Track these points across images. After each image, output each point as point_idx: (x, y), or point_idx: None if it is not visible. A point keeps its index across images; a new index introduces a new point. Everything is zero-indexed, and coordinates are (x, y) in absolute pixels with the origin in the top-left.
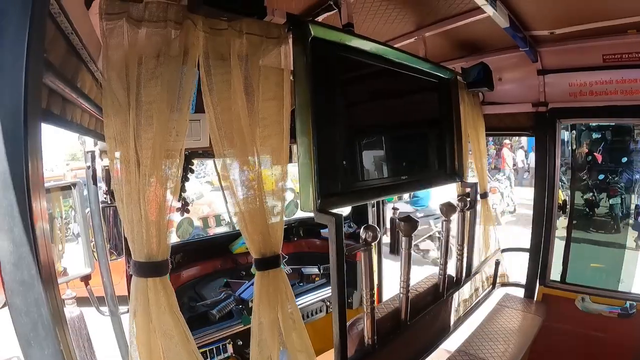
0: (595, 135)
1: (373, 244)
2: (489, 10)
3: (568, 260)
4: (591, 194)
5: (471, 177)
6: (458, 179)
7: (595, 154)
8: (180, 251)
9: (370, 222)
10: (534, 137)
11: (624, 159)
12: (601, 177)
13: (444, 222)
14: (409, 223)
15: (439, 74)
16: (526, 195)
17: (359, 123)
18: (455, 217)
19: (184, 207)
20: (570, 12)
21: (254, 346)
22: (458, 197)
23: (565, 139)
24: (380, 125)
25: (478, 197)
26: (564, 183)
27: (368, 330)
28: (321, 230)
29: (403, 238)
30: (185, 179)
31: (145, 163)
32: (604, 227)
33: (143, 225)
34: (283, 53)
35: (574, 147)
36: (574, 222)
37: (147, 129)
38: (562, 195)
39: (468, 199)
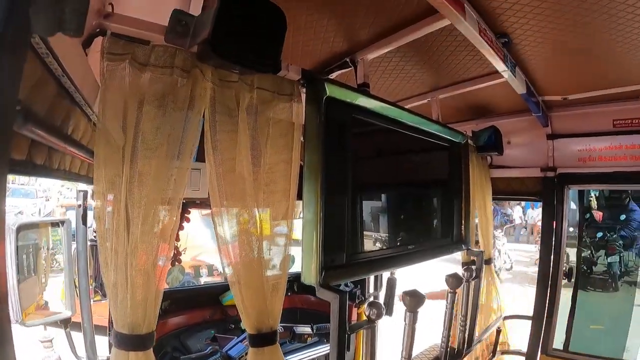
0: (593, 193)
1: (377, 321)
2: (508, 76)
3: (572, 327)
4: (589, 252)
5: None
6: (464, 247)
7: (593, 211)
8: (168, 298)
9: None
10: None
11: (622, 217)
12: (599, 234)
13: (449, 294)
14: (415, 298)
15: (451, 138)
16: (523, 252)
17: (367, 188)
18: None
19: (176, 257)
20: (584, 79)
21: None
22: (463, 265)
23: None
24: (390, 191)
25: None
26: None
27: None
28: None
29: (407, 313)
30: (179, 227)
31: (137, 216)
32: (603, 285)
33: (128, 290)
34: (295, 110)
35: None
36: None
37: (143, 179)
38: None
39: (474, 268)
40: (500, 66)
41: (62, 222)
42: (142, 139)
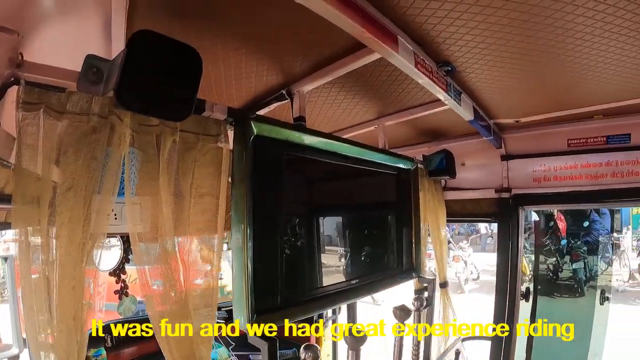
0: None
1: None
2: (453, 105)
3: (531, 350)
4: (554, 259)
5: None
6: (415, 275)
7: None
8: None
9: None
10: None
11: (586, 224)
12: (564, 242)
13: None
14: (355, 339)
15: (398, 165)
16: (489, 261)
17: (308, 223)
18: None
19: (123, 290)
20: (536, 102)
21: None
22: (415, 294)
23: None
24: (333, 224)
25: (437, 288)
26: (527, 249)
27: None
28: None
29: (350, 351)
30: (125, 260)
31: (61, 256)
32: (569, 291)
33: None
34: (223, 151)
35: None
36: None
37: (63, 220)
38: (525, 265)
39: (425, 297)
40: (442, 95)
41: (5, 259)
42: (61, 186)
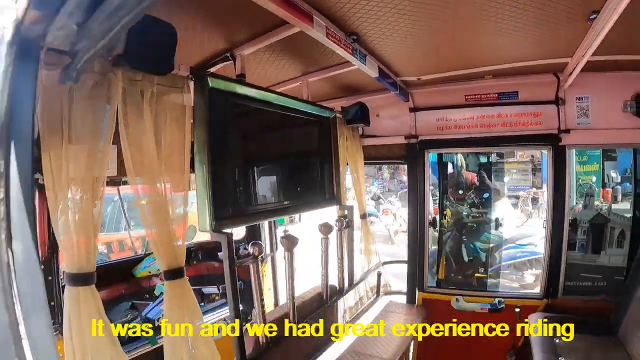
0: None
1: (259, 256)
2: (360, 65)
3: (439, 267)
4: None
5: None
6: (336, 203)
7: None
8: None
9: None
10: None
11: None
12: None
13: (323, 240)
14: (289, 239)
15: (319, 114)
16: None
17: (251, 157)
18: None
19: None
20: (434, 62)
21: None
22: (337, 218)
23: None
24: (270, 158)
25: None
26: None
27: (260, 332)
28: (218, 254)
29: (286, 252)
30: None
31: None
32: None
33: None
34: (187, 98)
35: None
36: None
37: (77, 160)
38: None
39: (345, 220)
40: (350, 58)
41: None
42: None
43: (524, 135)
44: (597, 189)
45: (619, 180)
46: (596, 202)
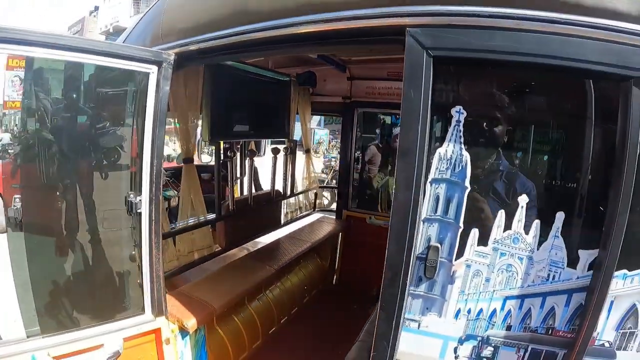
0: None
1: (233, 158)
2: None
3: (359, 195)
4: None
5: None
6: (287, 137)
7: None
8: None
9: None
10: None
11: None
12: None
13: (272, 158)
14: (251, 152)
15: (279, 78)
16: None
17: (234, 104)
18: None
19: None
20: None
21: None
22: (285, 146)
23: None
24: (246, 104)
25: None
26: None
27: (231, 202)
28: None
29: (248, 159)
30: None
31: None
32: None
33: None
34: (201, 69)
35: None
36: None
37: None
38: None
39: (290, 147)
40: None
41: None
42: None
43: None
44: None
45: None
46: None
